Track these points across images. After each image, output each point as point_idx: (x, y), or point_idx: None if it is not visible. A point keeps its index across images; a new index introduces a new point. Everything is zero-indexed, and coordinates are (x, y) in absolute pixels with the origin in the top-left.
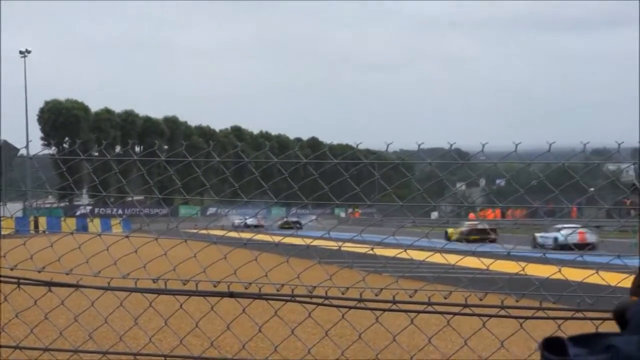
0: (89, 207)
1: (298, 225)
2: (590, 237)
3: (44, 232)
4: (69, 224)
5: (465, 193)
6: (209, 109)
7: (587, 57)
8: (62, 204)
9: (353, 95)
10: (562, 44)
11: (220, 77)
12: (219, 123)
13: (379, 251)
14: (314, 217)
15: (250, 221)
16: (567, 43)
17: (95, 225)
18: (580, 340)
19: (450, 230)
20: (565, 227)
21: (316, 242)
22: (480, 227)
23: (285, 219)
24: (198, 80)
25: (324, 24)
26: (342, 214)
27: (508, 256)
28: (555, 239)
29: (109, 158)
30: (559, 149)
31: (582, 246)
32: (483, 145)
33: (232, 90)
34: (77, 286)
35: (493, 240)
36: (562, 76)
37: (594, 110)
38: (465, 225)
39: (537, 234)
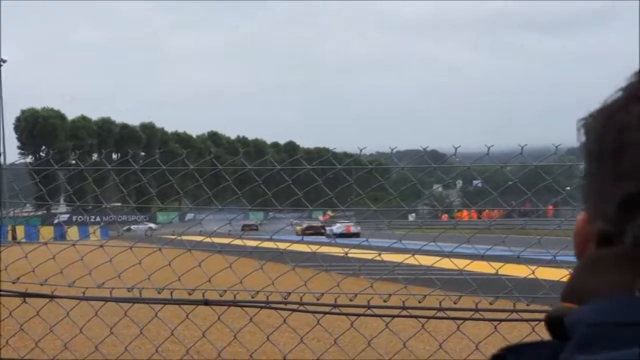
0: (66, 216)
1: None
2: (354, 228)
3: (17, 242)
4: (47, 232)
5: (442, 194)
6: (186, 114)
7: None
8: (39, 213)
9: (331, 98)
10: (531, 44)
11: (198, 83)
12: (196, 128)
13: (355, 254)
14: (293, 220)
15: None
16: (534, 43)
17: (73, 233)
18: (518, 351)
19: (297, 227)
20: (338, 222)
21: (292, 247)
22: (314, 224)
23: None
24: (176, 86)
25: (301, 27)
26: (320, 218)
27: (483, 258)
28: (332, 230)
29: (83, 167)
30: (535, 149)
31: (349, 235)
32: (456, 149)
33: (210, 96)
34: (51, 297)
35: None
36: (542, 77)
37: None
38: (305, 223)
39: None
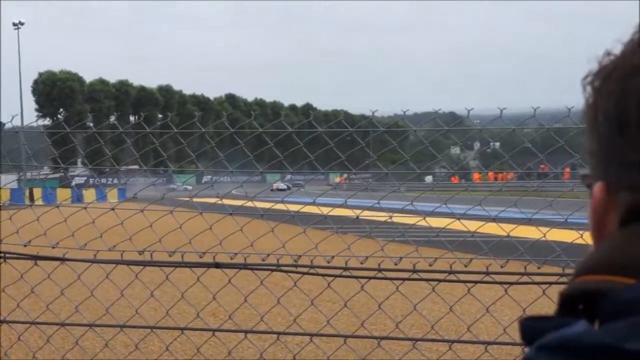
0: (83, 178)
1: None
2: (281, 185)
3: (33, 204)
4: (64, 194)
5: (460, 156)
6: (205, 78)
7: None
8: (57, 175)
9: (352, 60)
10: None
11: (218, 47)
12: (214, 91)
13: (370, 216)
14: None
15: (280, 185)
16: None
17: (90, 195)
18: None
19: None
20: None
21: (305, 209)
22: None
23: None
24: (197, 50)
25: None
26: (337, 179)
27: (494, 220)
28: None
29: (95, 130)
30: (552, 109)
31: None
32: (469, 111)
33: (229, 60)
34: (62, 259)
35: None
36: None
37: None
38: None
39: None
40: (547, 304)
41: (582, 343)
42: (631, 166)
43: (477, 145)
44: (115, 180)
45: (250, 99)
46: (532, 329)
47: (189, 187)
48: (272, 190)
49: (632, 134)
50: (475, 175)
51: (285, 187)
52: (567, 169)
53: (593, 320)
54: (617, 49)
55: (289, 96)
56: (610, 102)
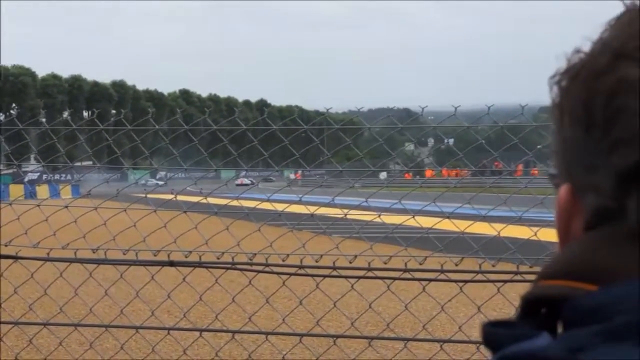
0: (36, 174)
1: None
2: (245, 180)
3: None
4: (17, 191)
5: (414, 153)
6: (158, 71)
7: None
8: (9, 171)
9: (303, 55)
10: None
11: (170, 39)
12: (168, 86)
13: (326, 213)
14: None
15: (245, 180)
16: None
17: (43, 192)
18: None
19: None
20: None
21: (261, 206)
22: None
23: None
24: (147, 42)
25: None
26: (292, 176)
27: (449, 217)
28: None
29: (48, 127)
30: (508, 106)
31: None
32: (423, 108)
33: (182, 52)
34: (15, 257)
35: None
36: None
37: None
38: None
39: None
40: (501, 302)
41: (544, 357)
42: (596, 169)
43: (431, 141)
44: (69, 177)
45: (204, 94)
46: (494, 335)
47: (160, 183)
48: (237, 185)
49: (598, 135)
50: (428, 172)
51: (249, 182)
52: (520, 167)
53: (555, 324)
54: (586, 47)
55: (242, 91)
56: (576, 103)
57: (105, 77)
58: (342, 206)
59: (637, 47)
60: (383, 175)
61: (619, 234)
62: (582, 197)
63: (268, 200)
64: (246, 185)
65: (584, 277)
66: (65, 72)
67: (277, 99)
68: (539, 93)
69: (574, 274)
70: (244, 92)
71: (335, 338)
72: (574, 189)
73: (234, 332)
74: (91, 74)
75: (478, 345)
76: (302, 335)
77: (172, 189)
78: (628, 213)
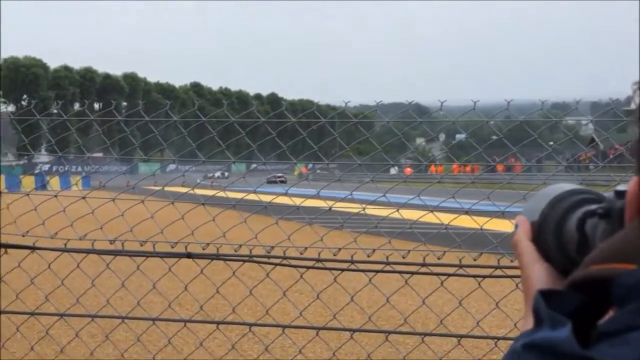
0: (47, 166)
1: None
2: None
3: None
4: (28, 182)
5: (426, 148)
6: (170, 65)
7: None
8: (21, 162)
9: (315, 47)
10: None
11: (184, 32)
12: (179, 79)
13: (340, 208)
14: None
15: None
16: None
17: (55, 183)
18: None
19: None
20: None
21: (277, 200)
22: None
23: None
24: (160, 36)
25: None
26: (299, 170)
27: (467, 213)
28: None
29: (65, 118)
30: (519, 103)
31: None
32: (442, 103)
33: (193, 46)
34: (33, 248)
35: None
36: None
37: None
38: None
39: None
40: (520, 297)
41: (558, 350)
42: None
43: (442, 137)
44: (79, 168)
45: (215, 87)
46: (537, 308)
47: (226, 174)
48: (268, 181)
49: None
50: (433, 168)
51: (281, 176)
52: (519, 163)
53: (603, 304)
54: None
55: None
56: None
57: (117, 69)
58: (357, 200)
59: None
60: (394, 170)
61: None
62: None
63: (286, 194)
64: (279, 180)
65: (627, 259)
66: (75, 64)
67: (287, 93)
68: (551, 92)
69: (618, 256)
70: (255, 85)
71: (352, 332)
72: None
73: (251, 324)
74: (103, 67)
75: (496, 340)
76: (319, 329)
77: (184, 182)
78: None
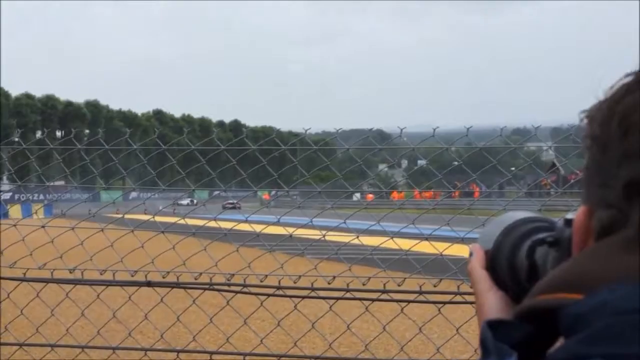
0: (9, 193)
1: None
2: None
3: None
4: None
5: (388, 174)
6: (131, 91)
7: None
8: None
9: (276, 74)
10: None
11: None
12: (141, 106)
13: (302, 234)
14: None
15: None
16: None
17: (15, 211)
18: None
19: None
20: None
21: (238, 227)
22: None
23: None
24: (120, 59)
25: None
26: (263, 197)
27: (427, 239)
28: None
29: (25, 147)
30: (481, 129)
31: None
32: (402, 130)
33: (155, 71)
34: None
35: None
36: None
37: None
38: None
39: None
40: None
41: None
42: (608, 184)
43: (404, 163)
44: (41, 196)
45: (177, 114)
46: (484, 340)
47: (195, 201)
48: (224, 207)
49: (613, 149)
50: (396, 195)
51: (235, 203)
52: (477, 188)
53: (551, 334)
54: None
55: (214, 110)
56: (597, 126)
57: (79, 97)
58: (318, 227)
59: None
60: (356, 196)
61: (615, 243)
62: (595, 216)
63: (246, 221)
64: (233, 206)
65: (573, 288)
66: (37, 91)
67: (250, 119)
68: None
69: (564, 286)
70: (216, 112)
71: (314, 359)
72: (590, 209)
73: (212, 352)
74: (65, 94)
75: None
76: (280, 356)
77: (145, 209)
78: (629, 222)
